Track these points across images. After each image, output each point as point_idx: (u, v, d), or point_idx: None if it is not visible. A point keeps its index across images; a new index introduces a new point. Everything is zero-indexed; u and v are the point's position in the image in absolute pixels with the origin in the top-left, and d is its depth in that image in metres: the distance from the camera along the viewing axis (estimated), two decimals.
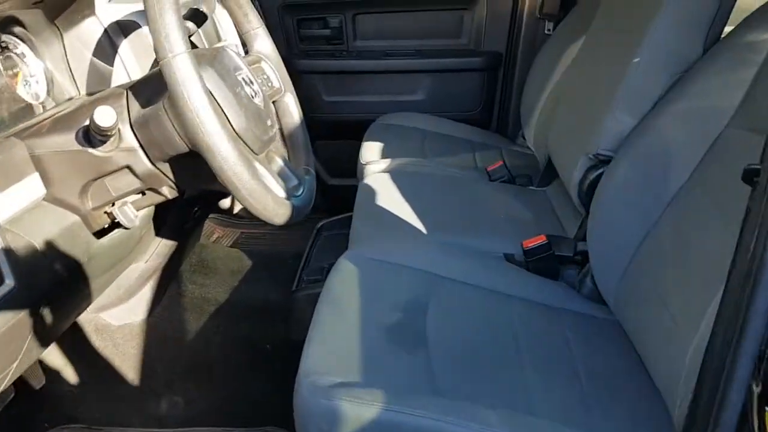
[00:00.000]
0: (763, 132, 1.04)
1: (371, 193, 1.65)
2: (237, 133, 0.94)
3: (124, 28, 1.25)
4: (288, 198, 1.00)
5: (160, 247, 1.42)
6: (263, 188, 0.89)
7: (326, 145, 2.51)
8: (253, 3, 2.20)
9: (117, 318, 1.51)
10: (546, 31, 2.18)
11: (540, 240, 1.36)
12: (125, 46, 1.24)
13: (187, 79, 0.81)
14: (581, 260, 1.38)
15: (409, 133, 2.16)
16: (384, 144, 2.02)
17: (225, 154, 0.83)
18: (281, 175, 1.06)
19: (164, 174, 0.99)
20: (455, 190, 1.68)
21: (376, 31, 2.35)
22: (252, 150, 0.98)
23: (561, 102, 1.63)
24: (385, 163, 1.86)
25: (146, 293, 1.51)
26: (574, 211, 1.50)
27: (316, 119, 2.42)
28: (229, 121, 0.93)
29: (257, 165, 0.98)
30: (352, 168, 2.07)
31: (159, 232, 1.35)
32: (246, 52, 1.24)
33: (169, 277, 1.58)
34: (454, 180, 1.76)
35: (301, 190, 1.07)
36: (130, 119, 0.95)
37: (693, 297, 0.99)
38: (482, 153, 2.10)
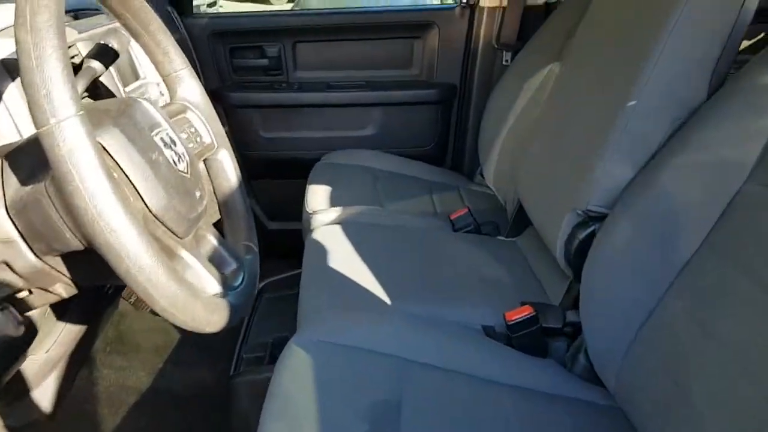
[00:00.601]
0: None
1: (321, 251, 1.42)
2: (154, 215, 0.71)
3: (10, 68, 1.00)
4: (224, 293, 0.77)
5: (65, 334, 1.16)
6: (189, 293, 0.65)
7: (265, 185, 2.28)
8: (180, 32, 1.96)
9: (14, 418, 1.22)
10: (504, 62, 2.02)
11: (526, 312, 1.17)
12: (12, 92, 0.99)
13: (77, 152, 0.57)
14: (571, 332, 1.20)
15: (358, 173, 1.95)
16: (332, 188, 1.80)
17: (135, 254, 0.60)
18: (214, 260, 0.83)
19: (56, 270, 0.74)
20: (418, 245, 1.47)
21: (318, 61, 2.14)
22: (175, 234, 0.74)
23: (533, 143, 1.45)
24: (336, 212, 1.64)
25: (49, 386, 1.24)
26: (555, 270, 1.32)
27: (253, 157, 2.18)
28: (143, 200, 0.69)
29: (182, 253, 0.74)
30: (295, 210, 1.85)
31: (62, 316, 1.09)
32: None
33: (78, 362, 1.30)
34: (415, 232, 1.55)
35: (240, 278, 0.84)
36: (5, 201, 0.70)
37: (733, 398, 0.81)
38: (440, 194, 1.91)
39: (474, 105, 2.10)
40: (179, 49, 0.96)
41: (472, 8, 2.05)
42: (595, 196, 1.14)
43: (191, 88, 0.96)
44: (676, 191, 1.02)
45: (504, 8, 1.99)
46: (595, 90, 1.20)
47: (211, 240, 0.86)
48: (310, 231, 1.58)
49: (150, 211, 0.70)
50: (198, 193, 0.80)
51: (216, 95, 2.04)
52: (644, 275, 1.04)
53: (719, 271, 0.96)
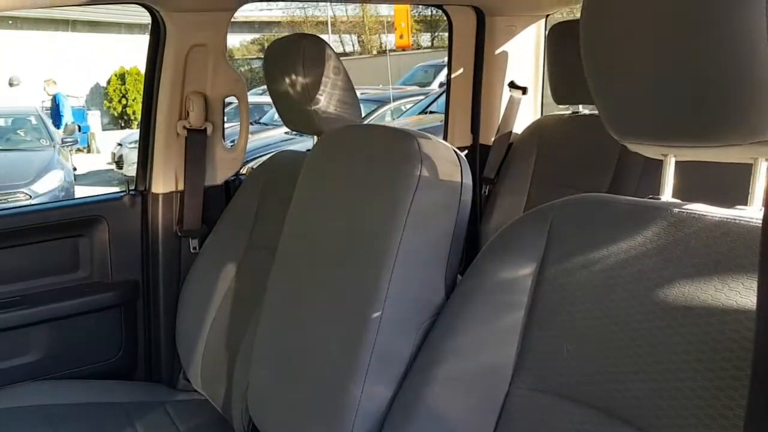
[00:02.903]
0: (557, 393, 0.85)
1: None
2: None
3: None
4: None
5: None
6: None
7: None
8: None
9: None
10: (192, 250, 1.81)
11: None
12: None
13: None
14: None
15: (26, 419, 1.50)
16: None
17: None
18: None
19: None
20: None
21: None
22: None
23: (261, 361, 1.25)
24: None
25: None
26: None
27: None
28: None
29: None
30: None
31: None
32: None
33: None
34: None
35: None
36: None
37: None
38: (143, 420, 1.57)
39: (164, 301, 1.82)
40: None
41: (144, 195, 1.82)
42: (357, 424, 0.99)
43: None
44: (444, 407, 0.93)
45: (181, 192, 1.80)
46: (331, 307, 1.07)
47: None
48: None
49: None
50: None
51: None
52: None
53: None
